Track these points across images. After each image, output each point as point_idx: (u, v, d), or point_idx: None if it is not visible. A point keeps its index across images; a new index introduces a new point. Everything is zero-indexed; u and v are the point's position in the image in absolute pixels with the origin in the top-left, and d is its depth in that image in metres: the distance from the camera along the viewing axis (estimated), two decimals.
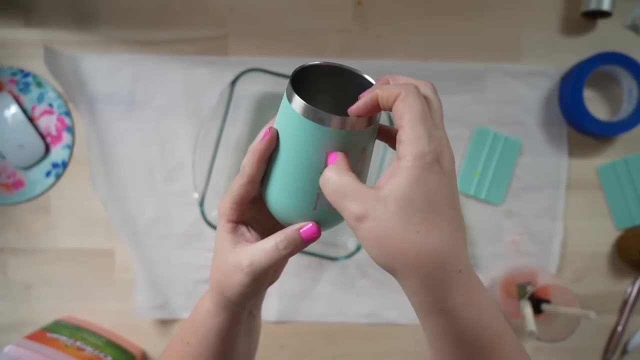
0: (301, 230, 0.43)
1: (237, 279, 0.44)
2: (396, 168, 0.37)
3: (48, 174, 0.86)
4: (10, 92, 0.86)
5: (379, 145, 0.82)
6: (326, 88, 0.45)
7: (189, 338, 0.49)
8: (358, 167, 0.43)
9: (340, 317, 0.86)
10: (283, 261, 0.45)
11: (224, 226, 0.45)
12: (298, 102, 0.40)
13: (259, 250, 0.43)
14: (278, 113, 0.43)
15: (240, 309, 0.46)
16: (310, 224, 0.43)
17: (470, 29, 0.87)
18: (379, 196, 0.36)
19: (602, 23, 0.87)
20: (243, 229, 0.45)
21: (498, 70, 0.86)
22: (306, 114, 0.40)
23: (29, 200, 0.87)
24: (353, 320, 0.86)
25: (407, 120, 0.37)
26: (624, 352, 0.86)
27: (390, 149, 0.82)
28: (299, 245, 0.43)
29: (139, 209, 0.86)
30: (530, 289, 0.77)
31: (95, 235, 0.86)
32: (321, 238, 0.82)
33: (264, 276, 0.44)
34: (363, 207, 0.37)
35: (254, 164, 0.43)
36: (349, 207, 0.37)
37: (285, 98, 0.42)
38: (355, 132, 0.41)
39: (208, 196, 0.81)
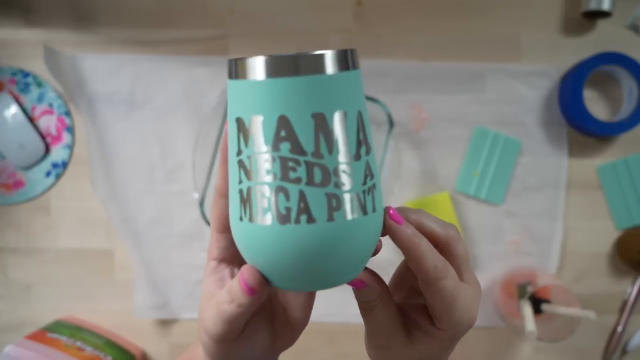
0: (242, 274, 0.32)
1: (204, 341, 0.36)
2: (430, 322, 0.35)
3: (48, 174, 0.86)
4: (10, 92, 0.86)
5: (379, 146, 0.82)
6: None
7: None
8: (363, 144, 0.31)
9: (340, 317, 0.86)
10: (247, 313, 0.34)
11: (207, 265, 0.37)
12: (258, 62, 0.30)
13: (212, 307, 0.34)
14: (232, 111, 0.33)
15: None
16: (252, 269, 0.32)
17: (470, 29, 0.87)
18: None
19: (602, 23, 0.87)
20: (225, 270, 0.36)
21: (498, 70, 0.86)
22: (273, 69, 0.29)
23: (29, 200, 0.87)
24: (353, 320, 0.86)
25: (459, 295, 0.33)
26: (624, 352, 0.86)
27: (390, 150, 0.82)
28: (242, 299, 0.33)
29: (139, 209, 0.86)
30: (530, 289, 0.77)
31: (95, 235, 0.86)
32: None
33: (233, 336, 0.35)
34: None
35: (220, 171, 0.35)
36: None
37: (234, 83, 0.31)
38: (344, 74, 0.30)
39: (208, 196, 0.81)
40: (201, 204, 0.81)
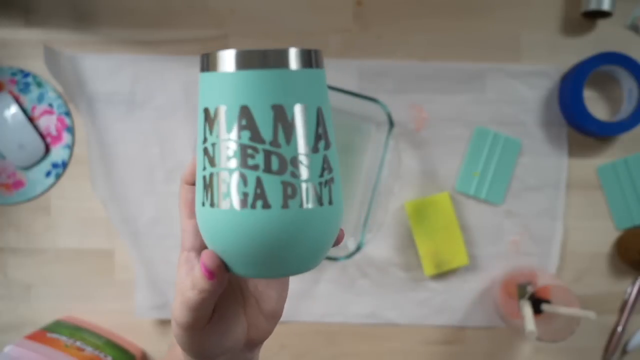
0: (202, 258, 0.33)
1: (175, 332, 0.37)
2: None
3: (48, 174, 0.86)
4: (10, 92, 0.86)
5: (379, 145, 0.82)
6: None
7: None
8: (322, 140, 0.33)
9: (340, 317, 0.86)
10: (211, 301, 0.34)
11: (180, 256, 0.37)
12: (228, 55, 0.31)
13: (178, 295, 0.35)
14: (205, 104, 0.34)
15: None
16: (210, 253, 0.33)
17: (470, 29, 0.87)
18: None
19: (602, 23, 0.87)
20: (195, 260, 0.36)
21: (498, 70, 0.86)
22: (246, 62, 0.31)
23: (29, 200, 0.87)
24: (353, 320, 0.86)
25: None
26: (624, 352, 0.86)
27: (390, 150, 0.82)
28: (203, 284, 0.33)
29: (139, 209, 0.86)
30: (530, 289, 0.77)
31: (95, 235, 0.86)
32: None
33: (200, 324, 0.35)
34: None
35: (192, 161, 0.37)
36: None
37: (205, 77, 0.33)
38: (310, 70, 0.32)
39: None
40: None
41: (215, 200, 0.32)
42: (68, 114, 0.87)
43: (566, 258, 0.86)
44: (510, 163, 0.86)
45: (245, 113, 0.31)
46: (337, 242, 0.36)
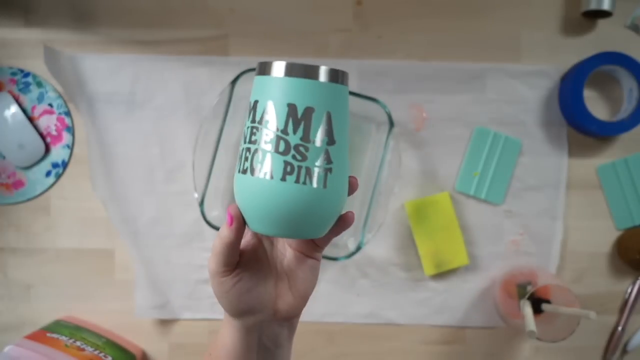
0: (228, 209, 0.44)
1: (211, 284, 0.47)
2: None
3: (48, 173, 0.86)
4: (10, 92, 0.86)
5: (379, 145, 0.82)
6: None
7: (211, 349, 0.51)
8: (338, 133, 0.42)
9: (340, 317, 0.86)
10: (235, 247, 0.45)
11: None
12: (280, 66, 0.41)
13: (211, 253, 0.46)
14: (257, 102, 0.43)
15: (242, 327, 0.47)
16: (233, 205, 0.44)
17: (470, 29, 0.87)
18: None
19: (602, 23, 0.87)
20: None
21: (498, 70, 0.86)
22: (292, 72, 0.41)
23: (29, 200, 0.87)
24: (353, 320, 0.86)
25: None
26: (624, 352, 0.86)
27: (390, 150, 0.82)
28: (223, 232, 0.44)
29: (139, 209, 0.86)
30: (530, 289, 0.77)
31: (95, 235, 0.86)
32: None
33: (224, 269, 0.45)
34: None
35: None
36: None
37: (260, 79, 0.43)
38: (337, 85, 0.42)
39: (208, 196, 0.81)
40: (201, 204, 0.81)
41: (241, 168, 0.42)
42: (68, 114, 0.87)
43: (566, 258, 0.86)
44: (510, 163, 0.86)
45: (269, 107, 0.41)
46: (346, 225, 0.45)
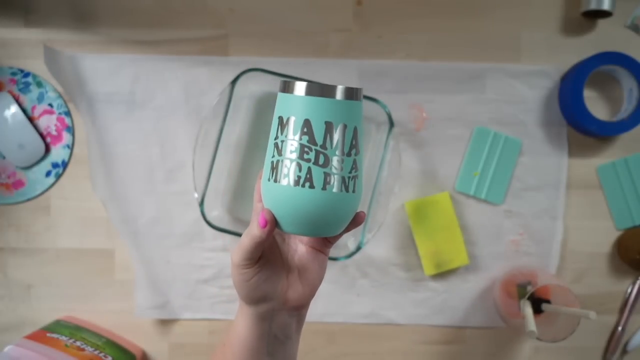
0: (262, 211, 0.48)
1: (231, 273, 0.51)
2: None
3: (48, 173, 0.86)
4: (10, 92, 0.86)
5: (379, 145, 0.82)
6: None
7: (226, 339, 0.55)
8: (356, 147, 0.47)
9: (340, 317, 0.86)
10: (259, 246, 0.48)
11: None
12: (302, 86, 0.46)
13: (237, 246, 0.49)
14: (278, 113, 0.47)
15: (255, 314, 0.51)
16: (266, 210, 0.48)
17: (470, 29, 0.87)
18: None
19: (602, 23, 0.87)
20: (254, 223, 0.49)
21: (498, 70, 0.86)
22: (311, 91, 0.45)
23: (29, 200, 0.87)
24: (353, 320, 0.86)
25: None
26: (624, 352, 0.86)
27: (390, 150, 0.82)
28: (255, 232, 0.47)
29: (139, 209, 0.86)
30: (530, 289, 0.77)
31: (95, 235, 0.86)
32: None
33: (247, 262, 0.49)
34: None
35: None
36: None
37: (282, 96, 0.47)
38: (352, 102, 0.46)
39: (208, 196, 0.81)
40: (201, 204, 0.81)
41: (278, 178, 0.46)
42: (68, 114, 0.87)
43: (566, 258, 0.86)
44: (510, 163, 0.86)
45: (307, 124, 0.45)
46: (358, 223, 0.49)
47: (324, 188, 0.46)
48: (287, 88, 0.47)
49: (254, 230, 0.47)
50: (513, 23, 0.86)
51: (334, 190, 0.46)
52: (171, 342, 0.87)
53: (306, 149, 0.45)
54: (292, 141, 0.46)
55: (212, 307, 0.86)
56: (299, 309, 0.53)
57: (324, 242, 0.52)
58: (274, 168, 0.47)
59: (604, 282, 0.86)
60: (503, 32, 0.87)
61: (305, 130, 0.45)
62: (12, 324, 0.87)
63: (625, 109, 0.85)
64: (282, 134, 0.46)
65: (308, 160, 0.45)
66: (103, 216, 0.86)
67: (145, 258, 0.86)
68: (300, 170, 0.45)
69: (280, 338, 0.53)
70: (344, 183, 0.46)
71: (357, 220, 0.49)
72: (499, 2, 0.86)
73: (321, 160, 0.45)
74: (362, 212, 0.50)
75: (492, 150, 0.86)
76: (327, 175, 0.45)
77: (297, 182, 0.46)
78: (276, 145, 0.47)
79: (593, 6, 0.83)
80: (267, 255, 0.51)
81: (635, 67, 0.82)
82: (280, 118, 0.47)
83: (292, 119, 0.46)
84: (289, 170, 0.46)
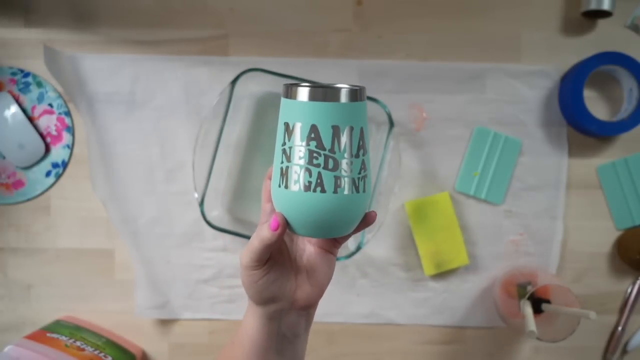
0: (275, 215, 0.48)
1: (241, 274, 0.51)
2: None
3: (48, 173, 0.86)
4: (10, 92, 0.86)
5: (379, 145, 0.82)
6: None
7: (235, 338, 0.55)
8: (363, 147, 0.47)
9: (340, 317, 0.86)
10: (269, 248, 0.48)
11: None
12: (305, 90, 0.45)
13: (246, 247, 0.49)
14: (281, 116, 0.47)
15: (264, 314, 0.52)
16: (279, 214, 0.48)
17: (470, 29, 0.87)
18: None
19: (602, 23, 0.87)
20: (264, 225, 0.49)
21: (498, 70, 0.86)
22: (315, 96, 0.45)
23: (29, 200, 0.87)
24: (353, 320, 0.86)
25: None
26: (624, 352, 0.86)
27: (390, 150, 0.82)
28: (265, 234, 0.47)
29: (139, 209, 0.86)
30: (530, 289, 0.77)
31: (95, 235, 0.86)
32: None
33: (256, 264, 0.49)
34: None
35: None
36: None
37: (285, 100, 0.47)
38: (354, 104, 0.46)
39: (208, 196, 0.81)
40: (201, 203, 0.81)
41: (289, 184, 0.46)
42: (68, 114, 0.87)
43: (566, 258, 0.86)
44: (510, 163, 0.86)
45: (314, 129, 0.45)
46: (369, 222, 0.49)
47: (335, 191, 0.45)
48: (290, 94, 0.46)
49: (264, 233, 0.47)
50: (513, 23, 0.86)
51: (345, 192, 0.46)
52: (171, 342, 0.87)
53: (315, 155, 0.45)
54: (300, 147, 0.45)
55: (212, 307, 0.86)
56: (308, 308, 0.53)
57: (332, 243, 0.52)
58: (284, 174, 0.46)
59: (604, 282, 0.86)
60: (503, 32, 0.87)
61: (312, 136, 0.45)
62: (12, 324, 0.87)
63: (625, 109, 0.85)
64: (289, 140, 0.46)
65: (317, 166, 0.45)
66: (103, 216, 0.86)
67: (145, 258, 0.86)
68: (310, 175, 0.45)
69: (289, 337, 0.54)
70: (354, 184, 0.46)
71: (368, 220, 0.49)
72: (499, 2, 0.86)
73: (330, 164, 0.45)
74: (374, 211, 0.50)
75: (492, 150, 0.86)
76: (337, 178, 0.45)
77: (308, 188, 0.46)
78: (284, 151, 0.46)
79: (593, 6, 0.83)
80: (275, 257, 0.51)
81: (635, 67, 0.82)
82: (287, 124, 0.46)
83: (298, 125, 0.45)
84: (299, 176, 0.46)
